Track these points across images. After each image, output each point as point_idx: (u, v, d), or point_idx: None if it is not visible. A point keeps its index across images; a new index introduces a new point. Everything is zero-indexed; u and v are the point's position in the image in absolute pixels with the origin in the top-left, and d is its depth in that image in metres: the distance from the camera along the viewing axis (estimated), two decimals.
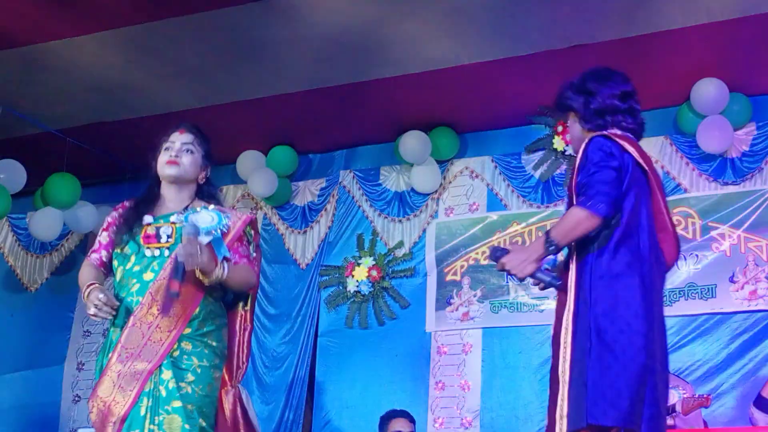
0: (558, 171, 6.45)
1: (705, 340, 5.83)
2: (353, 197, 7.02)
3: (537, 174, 6.49)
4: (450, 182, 6.80)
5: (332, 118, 6.62)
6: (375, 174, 7.03)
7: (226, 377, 3.51)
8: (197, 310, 3.32)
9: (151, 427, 3.18)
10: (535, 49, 5.72)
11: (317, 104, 6.37)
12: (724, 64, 5.80)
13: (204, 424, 3.25)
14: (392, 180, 6.96)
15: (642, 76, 5.92)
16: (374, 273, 6.71)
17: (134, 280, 3.35)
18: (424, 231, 6.74)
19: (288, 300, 6.95)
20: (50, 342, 7.52)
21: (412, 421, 5.72)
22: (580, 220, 3.05)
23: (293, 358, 6.77)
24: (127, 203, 3.57)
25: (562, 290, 3.11)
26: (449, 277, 6.55)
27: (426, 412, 6.29)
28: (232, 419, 3.53)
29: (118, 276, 3.43)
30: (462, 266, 6.54)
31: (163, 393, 3.21)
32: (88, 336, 7.52)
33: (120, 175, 7.48)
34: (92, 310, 3.25)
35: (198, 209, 3.39)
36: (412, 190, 6.82)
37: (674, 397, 4.70)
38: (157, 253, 3.35)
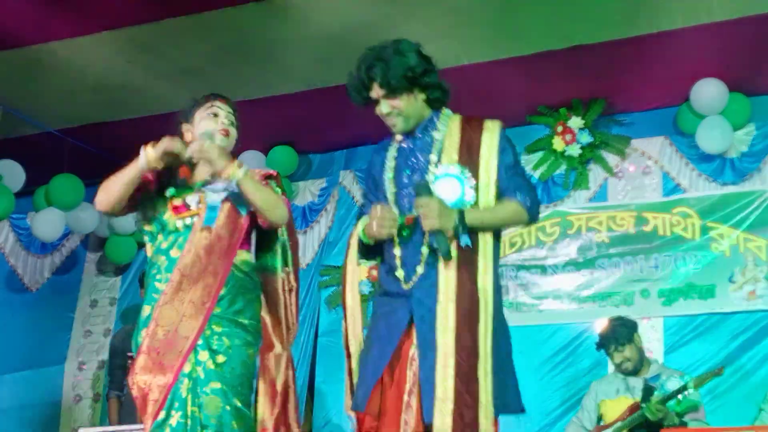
0: (558, 171, 6.45)
1: (704, 340, 5.84)
2: (353, 197, 7.02)
3: (537, 174, 6.48)
4: None
5: (332, 118, 6.61)
6: None
7: (277, 341, 3.44)
8: (224, 290, 3.23)
9: (193, 409, 3.12)
10: (535, 49, 5.72)
11: (317, 104, 6.37)
12: (724, 65, 5.80)
13: (239, 403, 3.17)
14: None
15: (642, 76, 5.97)
16: (374, 273, 6.70)
17: (162, 258, 3.29)
18: None
19: None
20: (51, 342, 7.52)
21: None
22: (519, 218, 3.09)
23: (293, 358, 6.77)
24: (150, 175, 3.43)
25: (447, 261, 2.95)
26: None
27: None
28: (283, 383, 3.42)
29: (149, 253, 3.37)
30: None
31: (202, 375, 3.15)
32: (88, 336, 7.53)
33: None
34: (169, 146, 3.28)
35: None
36: None
37: (678, 383, 4.73)
38: (188, 221, 3.28)
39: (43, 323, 7.58)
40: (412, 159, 3.14)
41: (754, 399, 5.33)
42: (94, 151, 6.96)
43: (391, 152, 3.22)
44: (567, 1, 5.30)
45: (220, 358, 3.17)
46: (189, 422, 3.11)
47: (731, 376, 5.67)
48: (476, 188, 3.02)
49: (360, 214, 3.32)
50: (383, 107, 3.12)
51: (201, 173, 3.40)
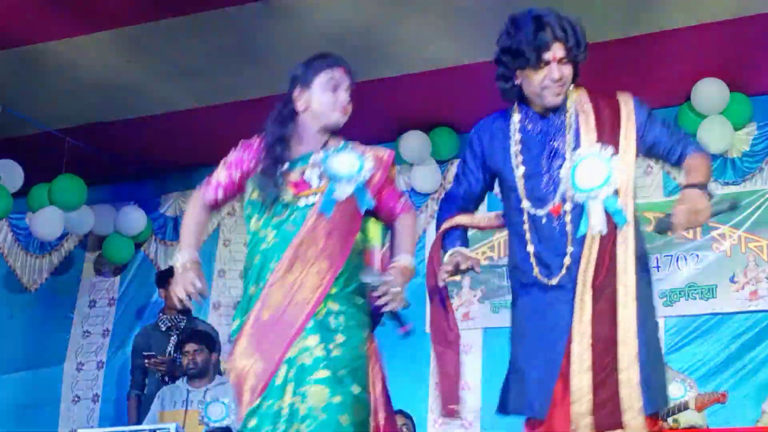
0: None
1: (705, 341, 5.84)
2: None
3: None
4: (450, 182, 6.78)
5: None
6: None
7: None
8: (343, 267, 2.98)
9: (293, 399, 2.86)
10: None
11: None
12: (724, 64, 5.80)
13: (358, 390, 2.90)
14: None
15: (642, 76, 5.96)
16: None
17: (273, 233, 3.00)
18: (424, 231, 6.72)
19: None
20: (50, 342, 7.51)
21: (408, 416, 5.76)
22: (710, 167, 2.88)
23: None
24: (255, 143, 3.19)
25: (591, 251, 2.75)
26: (450, 278, 6.52)
27: (426, 412, 6.28)
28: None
29: (254, 226, 3.07)
30: None
31: (308, 362, 2.88)
32: (87, 336, 7.51)
33: (119, 175, 7.48)
34: (181, 294, 2.94)
35: (336, 149, 3.09)
36: (412, 190, 6.81)
37: (680, 390, 4.71)
38: (310, 200, 3.00)
39: (41, 324, 7.57)
40: (548, 140, 2.89)
41: (756, 399, 5.33)
42: (93, 151, 6.95)
43: (514, 133, 2.97)
44: (567, 1, 5.29)
45: (339, 338, 2.93)
46: (285, 411, 2.86)
47: (732, 377, 5.68)
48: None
49: (448, 196, 3.16)
50: (555, 72, 2.83)
51: (309, 143, 3.14)
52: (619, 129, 2.85)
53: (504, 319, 6.72)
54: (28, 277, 7.72)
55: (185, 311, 5.97)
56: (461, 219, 3.11)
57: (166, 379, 5.71)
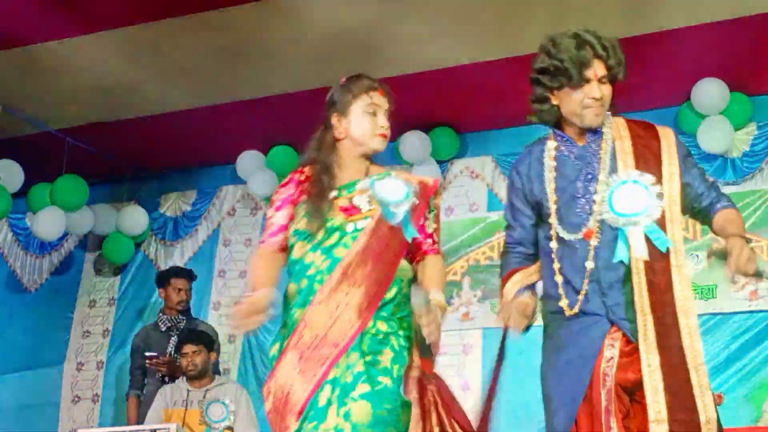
0: None
1: (705, 341, 5.81)
2: None
3: None
4: (450, 182, 6.79)
5: None
6: None
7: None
8: (392, 293, 2.92)
9: (338, 420, 2.75)
10: (535, 49, 5.69)
11: (317, 104, 6.35)
12: (724, 64, 5.80)
13: (405, 399, 2.87)
14: None
15: (642, 76, 5.96)
16: None
17: (323, 257, 2.92)
18: None
19: None
20: (50, 342, 7.51)
21: None
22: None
23: None
24: (298, 176, 3.09)
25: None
26: (449, 278, 6.53)
27: None
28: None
29: (298, 253, 2.99)
30: (462, 266, 6.54)
31: (349, 379, 2.80)
32: (87, 336, 7.51)
33: (119, 175, 7.48)
34: (240, 328, 2.80)
35: (379, 176, 2.96)
36: None
37: None
38: (360, 225, 2.93)
39: (42, 324, 7.57)
40: (583, 165, 2.85)
41: (756, 399, 5.33)
42: (93, 151, 6.96)
43: (549, 160, 2.92)
44: (568, 2, 5.30)
45: (388, 353, 2.88)
46: None
47: (732, 377, 5.68)
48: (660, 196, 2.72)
49: (506, 248, 3.07)
50: (595, 91, 2.80)
51: (350, 171, 3.07)
52: (660, 158, 2.81)
53: None
54: (28, 277, 7.72)
55: (185, 311, 5.98)
56: (521, 280, 2.99)
57: (167, 379, 5.71)
